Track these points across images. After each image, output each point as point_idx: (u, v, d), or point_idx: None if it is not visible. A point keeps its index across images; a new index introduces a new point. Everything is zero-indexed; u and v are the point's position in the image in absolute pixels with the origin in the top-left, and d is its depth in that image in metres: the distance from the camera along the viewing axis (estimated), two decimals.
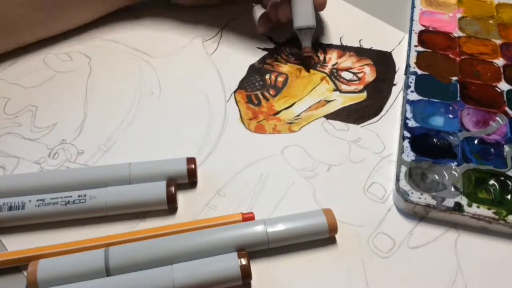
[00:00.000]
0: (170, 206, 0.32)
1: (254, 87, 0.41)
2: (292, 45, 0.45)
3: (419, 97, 0.39)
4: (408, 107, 0.38)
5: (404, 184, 0.33)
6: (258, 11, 0.48)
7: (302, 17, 0.40)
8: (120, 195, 0.32)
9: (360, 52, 0.45)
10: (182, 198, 0.33)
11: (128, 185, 0.32)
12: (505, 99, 0.39)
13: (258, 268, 0.30)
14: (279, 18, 0.43)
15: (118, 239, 0.30)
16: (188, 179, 0.33)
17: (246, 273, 0.28)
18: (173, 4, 0.48)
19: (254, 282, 0.29)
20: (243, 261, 0.28)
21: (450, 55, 0.43)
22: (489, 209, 0.31)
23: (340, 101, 0.40)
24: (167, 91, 0.41)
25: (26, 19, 0.40)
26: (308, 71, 0.42)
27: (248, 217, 0.31)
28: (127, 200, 0.31)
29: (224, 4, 0.48)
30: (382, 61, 0.44)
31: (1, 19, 0.39)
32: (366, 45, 0.45)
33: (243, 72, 0.42)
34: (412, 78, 0.41)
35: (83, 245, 0.29)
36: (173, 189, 0.32)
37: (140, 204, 0.32)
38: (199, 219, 0.32)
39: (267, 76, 0.42)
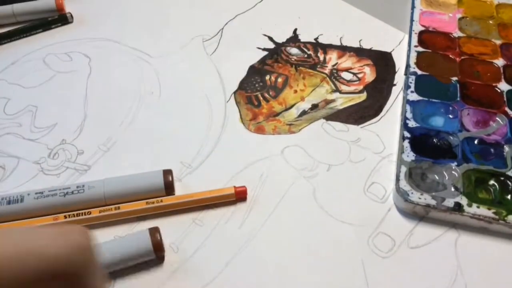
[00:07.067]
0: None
1: (254, 88, 0.41)
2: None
3: (419, 98, 0.39)
4: (408, 107, 0.38)
5: (404, 184, 0.33)
6: None
7: None
8: (119, 184, 0.32)
9: (360, 52, 0.45)
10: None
11: (126, 175, 0.33)
12: (505, 99, 0.39)
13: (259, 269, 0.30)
14: None
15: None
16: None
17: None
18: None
19: (254, 281, 0.29)
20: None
21: (450, 56, 0.43)
22: (489, 209, 0.31)
23: (340, 102, 0.40)
24: (167, 91, 0.41)
25: None
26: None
27: (240, 191, 0.32)
28: (125, 188, 0.32)
29: None
30: (382, 61, 0.44)
31: None
32: (366, 45, 0.45)
33: (243, 73, 0.42)
34: (412, 78, 0.41)
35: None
36: (170, 177, 0.33)
37: (139, 192, 0.32)
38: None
39: (267, 77, 0.42)
